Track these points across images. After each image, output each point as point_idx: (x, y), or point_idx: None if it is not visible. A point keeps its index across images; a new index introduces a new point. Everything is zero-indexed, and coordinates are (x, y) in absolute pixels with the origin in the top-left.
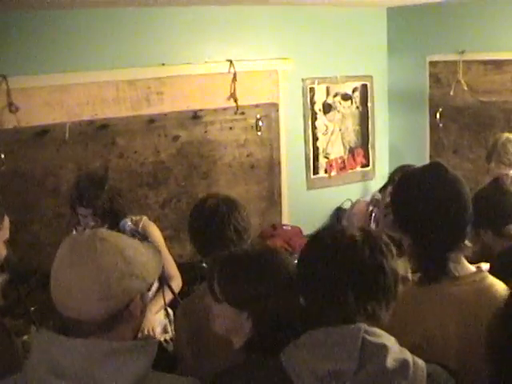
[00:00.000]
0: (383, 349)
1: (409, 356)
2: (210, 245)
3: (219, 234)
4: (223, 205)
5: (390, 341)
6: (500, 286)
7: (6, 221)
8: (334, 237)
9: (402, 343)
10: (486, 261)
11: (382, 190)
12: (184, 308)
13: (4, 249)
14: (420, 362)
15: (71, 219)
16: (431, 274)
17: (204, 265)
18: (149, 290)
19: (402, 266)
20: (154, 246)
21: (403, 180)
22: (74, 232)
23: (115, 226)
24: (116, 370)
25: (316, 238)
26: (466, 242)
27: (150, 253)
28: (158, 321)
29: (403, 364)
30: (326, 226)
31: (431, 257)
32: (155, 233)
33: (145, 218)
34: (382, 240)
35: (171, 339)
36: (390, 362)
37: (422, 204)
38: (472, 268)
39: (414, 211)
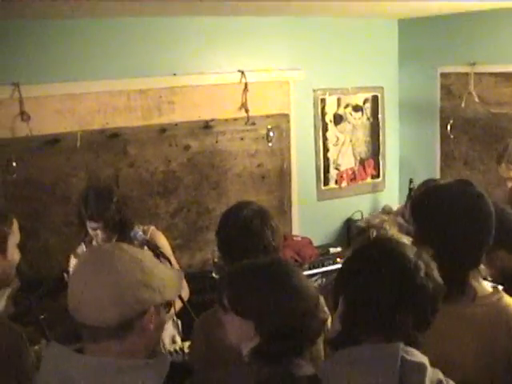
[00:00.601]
0: (422, 367)
1: (442, 376)
2: (238, 254)
3: (250, 246)
4: (258, 216)
5: (426, 361)
6: None
7: (15, 225)
8: (386, 255)
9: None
10: (504, 283)
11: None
12: (202, 321)
13: (17, 253)
14: (452, 380)
15: (80, 233)
16: (452, 294)
17: (214, 275)
18: (166, 309)
19: None
20: (178, 271)
21: (428, 193)
22: (83, 246)
23: (125, 237)
24: None
25: (364, 253)
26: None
27: (170, 271)
28: (167, 331)
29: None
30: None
31: (452, 275)
32: (163, 242)
33: (152, 227)
34: (429, 262)
35: (181, 349)
36: (428, 381)
37: (447, 219)
38: (489, 288)
39: (438, 225)
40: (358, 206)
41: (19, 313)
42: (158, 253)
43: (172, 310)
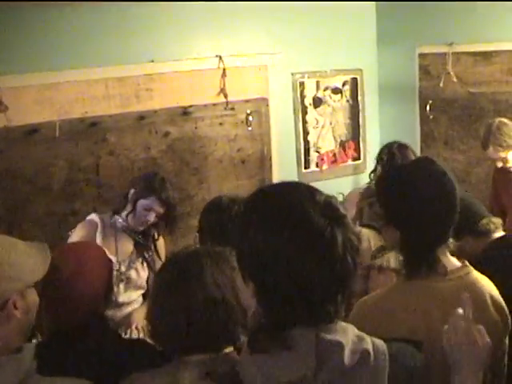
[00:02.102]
0: (339, 346)
1: (368, 343)
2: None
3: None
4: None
5: (347, 332)
6: (485, 281)
7: None
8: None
9: (387, 334)
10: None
11: (373, 172)
12: None
13: None
14: (380, 345)
15: (124, 202)
16: (419, 269)
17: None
18: (33, 287)
19: (393, 257)
20: (41, 243)
21: (392, 174)
22: (96, 218)
23: (174, 227)
24: None
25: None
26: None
27: (31, 249)
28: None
29: (363, 355)
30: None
31: (420, 252)
32: (162, 243)
33: None
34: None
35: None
36: (349, 356)
37: (412, 199)
38: (457, 263)
39: (403, 206)
40: (340, 188)
41: None
42: (136, 240)
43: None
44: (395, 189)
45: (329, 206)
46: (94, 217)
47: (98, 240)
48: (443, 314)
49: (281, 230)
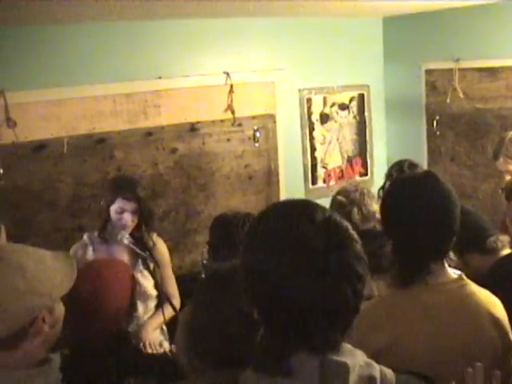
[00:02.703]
0: (343, 367)
1: (376, 371)
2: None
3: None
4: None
5: (354, 356)
6: (483, 296)
7: (3, 234)
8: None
9: (372, 343)
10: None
11: (381, 189)
12: (183, 315)
13: None
14: (389, 373)
15: (102, 215)
16: (403, 279)
17: (203, 276)
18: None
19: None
20: (67, 256)
21: (394, 186)
22: (85, 237)
23: (151, 228)
24: None
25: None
26: (451, 255)
27: (59, 263)
28: (154, 336)
29: (370, 381)
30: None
31: (409, 263)
32: (163, 250)
33: (155, 234)
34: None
35: (170, 351)
36: (355, 380)
37: (407, 210)
38: (453, 275)
39: (398, 217)
40: None
41: None
42: (143, 256)
43: (161, 319)
44: (392, 199)
45: (328, 226)
46: (84, 237)
47: (89, 256)
48: (429, 325)
49: (273, 254)
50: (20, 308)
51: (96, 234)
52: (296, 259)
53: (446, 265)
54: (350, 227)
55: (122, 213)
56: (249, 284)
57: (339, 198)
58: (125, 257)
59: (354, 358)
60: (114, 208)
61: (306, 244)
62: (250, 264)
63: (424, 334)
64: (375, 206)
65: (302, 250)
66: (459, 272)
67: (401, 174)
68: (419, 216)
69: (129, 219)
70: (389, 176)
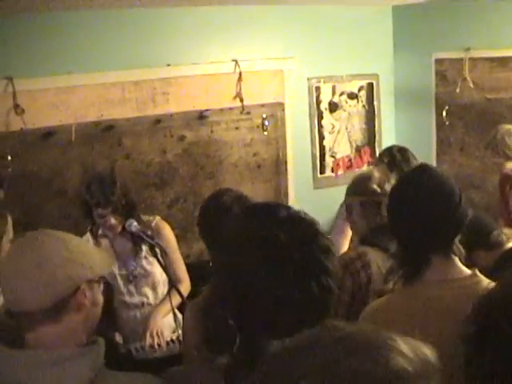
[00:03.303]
0: None
1: None
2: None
3: None
4: (236, 204)
5: None
6: None
7: (10, 223)
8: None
9: None
10: None
11: None
12: (191, 309)
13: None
14: None
15: (86, 223)
16: (414, 276)
17: (212, 265)
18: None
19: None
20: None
21: (396, 184)
22: (89, 236)
23: (134, 213)
24: (58, 379)
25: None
26: (459, 247)
27: (101, 250)
28: (166, 324)
29: None
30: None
31: (412, 257)
32: (168, 234)
33: (158, 218)
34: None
35: (178, 339)
36: None
37: (406, 206)
38: (467, 271)
39: (399, 215)
40: None
41: None
42: (153, 244)
43: (169, 306)
44: (393, 197)
45: (291, 222)
46: (88, 228)
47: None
48: (443, 323)
49: (239, 252)
50: (64, 275)
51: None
52: (260, 256)
53: (458, 261)
54: (316, 222)
55: (104, 216)
56: (220, 284)
57: (374, 186)
58: (128, 245)
59: None
60: (95, 214)
61: (269, 240)
62: (219, 264)
63: (437, 331)
64: None
65: (265, 245)
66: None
67: (393, 159)
68: (415, 209)
69: (112, 221)
70: (380, 162)
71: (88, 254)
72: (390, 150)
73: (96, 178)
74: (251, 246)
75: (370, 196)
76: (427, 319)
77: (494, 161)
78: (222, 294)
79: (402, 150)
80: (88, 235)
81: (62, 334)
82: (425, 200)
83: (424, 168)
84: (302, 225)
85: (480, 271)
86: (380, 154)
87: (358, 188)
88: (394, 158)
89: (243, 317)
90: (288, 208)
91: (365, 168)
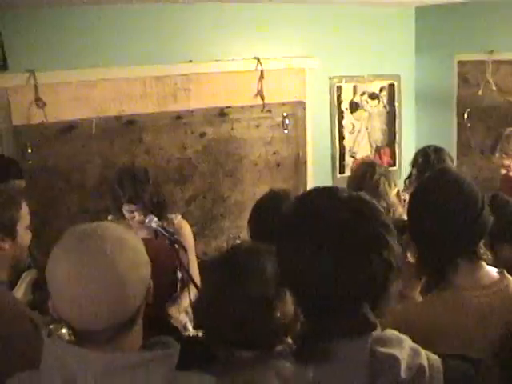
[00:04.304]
0: (395, 360)
1: (424, 358)
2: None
3: None
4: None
5: (401, 344)
6: None
7: (25, 208)
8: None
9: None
10: None
11: (408, 179)
12: None
13: (28, 235)
14: (435, 360)
15: (114, 215)
16: (436, 281)
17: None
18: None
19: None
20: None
21: (416, 189)
22: (110, 219)
23: (162, 218)
24: (144, 380)
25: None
26: (485, 250)
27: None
28: (179, 319)
29: (419, 370)
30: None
31: (438, 262)
32: (188, 234)
33: (179, 216)
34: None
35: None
36: (405, 371)
37: (427, 212)
38: (495, 275)
39: (421, 221)
40: None
41: (38, 301)
42: (172, 240)
43: (188, 302)
44: (413, 204)
45: (352, 201)
46: (109, 219)
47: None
48: (482, 328)
49: (303, 236)
50: (138, 279)
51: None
52: (325, 234)
53: (485, 264)
54: (374, 201)
55: (133, 212)
56: (284, 271)
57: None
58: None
59: (402, 348)
60: (124, 208)
61: (332, 219)
62: (284, 251)
63: (477, 338)
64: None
65: (330, 224)
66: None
67: (427, 160)
68: (436, 214)
69: (140, 218)
70: (414, 162)
71: (140, 245)
72: (425, 150)
73: (128, 173)
74: (315, 227)
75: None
76: (466, 327)
77: (502, 162)
78: (286, 278)
79: (438, 150)
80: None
81: (134, 338)
82: (447, 204)
83: (444, 171)
84: (362, 203)
85: (504, 266)
86: (416, 153)
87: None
88: (429, 157)
89: (309, 299)
90: (345, 190)
91: None
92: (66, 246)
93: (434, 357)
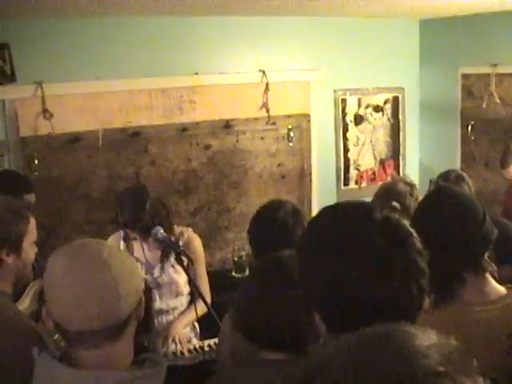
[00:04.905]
0: None
1: None
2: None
3: (283, 242)
4: (291, 218)
5: None
6: None
7: (32, 223)
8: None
9: None
10: None
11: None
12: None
13: (33, 250)
14: None
15: (118, 226)
16: (443, 295)
17: (234, 274)
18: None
19: None
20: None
21: (418, 206)
22: (122, 243)
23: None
24: None
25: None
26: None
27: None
28: (183, 333)
29: None
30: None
31: (444, 277)
32: (197, 247)
33: (190, 229)
34: None
35: (201, 348)
36: None
37: (431, 230)
38: (503, 290)
39: (423, 235)
40: None
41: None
42: (178, 252)
43: (193, 316)
44: (418, 222)
45: (388, 225)
46: (120, 231)
47: (122, 247)
48: (489, 341)
49: (338, 256)
50: (132, 288)
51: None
52: (361, 260)
53: (491, 278)
54: (408, 224)
55: (134, 237)
56: (313, 289)
57: (394, 203)
58: (158, 252)
59: None
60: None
61: (369, 243)
62: (310, 267)
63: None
64: None
65: (366, 249)
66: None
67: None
68: (440, 231)
69: (139, 237)
70: (435, 184)
71: (133, 262)
72: (446, 174)
73: (129, 196)
74: (351, 250)
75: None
76: (473, 341)
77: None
78: (315, 300)
79: (460, 178)
80: (113, 238)
81: (123, 350)
82: (447, 216)
83: (444, 187)
84: (397, 227)
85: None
86: (438, 176)
87: (379, 201)
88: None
89: (346, 326)
90: (379, 210)
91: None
92: (65, 249)
93: None
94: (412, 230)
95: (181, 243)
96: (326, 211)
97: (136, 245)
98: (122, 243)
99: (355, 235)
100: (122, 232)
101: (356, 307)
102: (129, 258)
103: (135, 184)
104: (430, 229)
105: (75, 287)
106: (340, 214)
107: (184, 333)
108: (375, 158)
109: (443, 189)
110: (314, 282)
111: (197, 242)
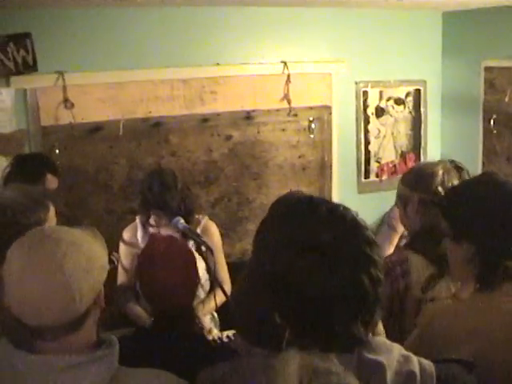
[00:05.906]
0: (380, 366)
1: (415, 364)
2: None
3: None
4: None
5: (391, 352)
6: None
7: (52, 211)
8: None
9: (460, 352)
10: None
11: None
12: None
13: None
14: (428, 366)
15: (141, 218)
16: (490, 280)
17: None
18: None
19: (444, 287)
20: (94, 230)
21: (458, 192)
22: (141, 231)
23: (188, 221)
24: (76, 382)
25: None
26: None
27: (96, 239)
28: (204, 324)
29: (408, 377)
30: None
31: (489, 262)
32: (215, 234)
33: (207, 217)
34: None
35: (219, 338)
36: (392, 377)
37: (479, 214)
38: None
39: (470, 222)
40: None
41: None
42: (198, 241)
43: (213, 304)
44: (461, 206)
45: (333, 218)
46: (136, 220)
47: (139, 236)
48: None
49: (284, 254)
50: (89, 285)
51: (145, 216)
52: (307, 257)
53: None
54: (356, 215)
55: (159, 216)
56: (268, 288)
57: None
58: None
59: (391, 354)
60: (152, 213)
61: (314, 240)
62: (263, 266)
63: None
64: None
65: (312, 246)
66: None
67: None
68: (488, 217)
69: (165, 220)
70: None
71: (100, 254)
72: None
73: (158, 178)
74: (296, 248)
75: (432, 195)
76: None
77: None
78: (274, 300)
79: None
80: (137, 222)
81: (82, 338)
82: (496, 203)
83: (489, 173)
84: (343, 219)
85: None
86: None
87: (420, 184)
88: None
89: (300, 322)
90: (326, 203)
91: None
92: (23, 244)
93: (428, 362)
94: (359, 220)
95: (198, 231)
96: (272, 207)
97: (153, 231)
98: (139, 234)
99: (299, 232)
100: (138, 223)
101: (307, 304)
102: (85, 252)
103: (159, 168)
104: (475, 213)
105: (30, 287)
106: (285, 211)
107: (206, 320)
108: (396, 151)
109: (488, 175)
110: (263, 280)
111: (214, 230)
